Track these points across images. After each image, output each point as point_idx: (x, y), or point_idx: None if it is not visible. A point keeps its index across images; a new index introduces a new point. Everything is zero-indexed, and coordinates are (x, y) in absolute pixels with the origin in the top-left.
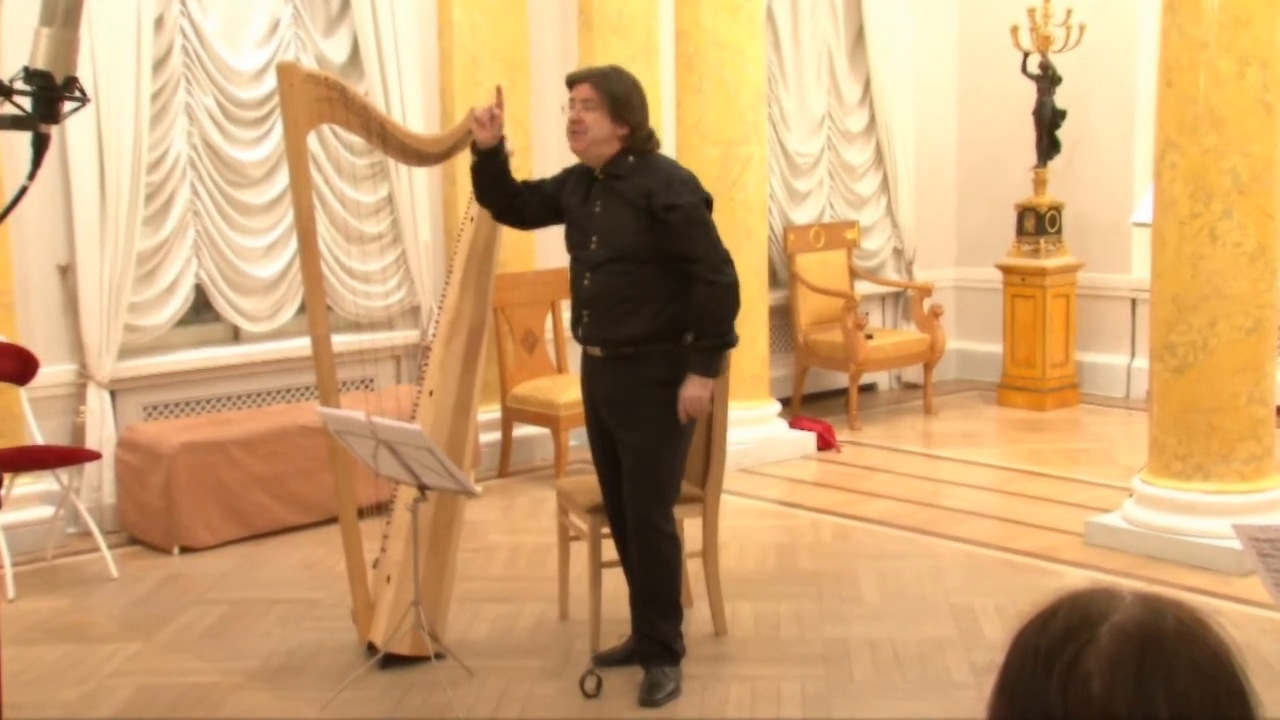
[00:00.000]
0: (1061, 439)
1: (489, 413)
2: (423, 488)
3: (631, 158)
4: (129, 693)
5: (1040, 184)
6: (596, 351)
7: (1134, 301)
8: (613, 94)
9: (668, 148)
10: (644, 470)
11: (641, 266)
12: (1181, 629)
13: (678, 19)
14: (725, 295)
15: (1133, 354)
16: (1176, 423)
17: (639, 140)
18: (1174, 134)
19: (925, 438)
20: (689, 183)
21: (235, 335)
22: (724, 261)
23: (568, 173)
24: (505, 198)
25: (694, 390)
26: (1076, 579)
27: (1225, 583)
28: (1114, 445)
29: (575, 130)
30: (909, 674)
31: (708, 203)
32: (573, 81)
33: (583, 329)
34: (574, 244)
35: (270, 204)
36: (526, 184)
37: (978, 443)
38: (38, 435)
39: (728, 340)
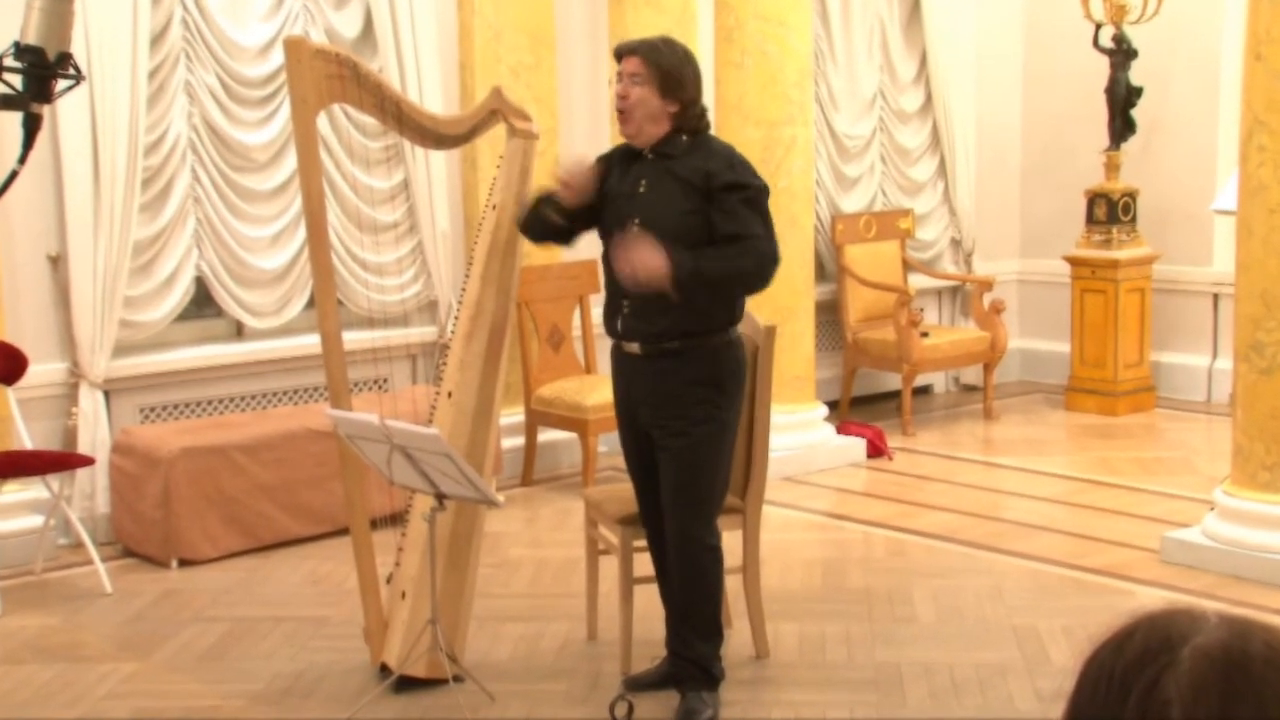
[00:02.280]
0: (1135, 447)
1: (512, 416)
2: (440, 497)
3: (684, 137)
4: (124, 716)
5: (1113, 168)
6: (635, 349)
7: (1216, 296)
8: (662, 68)
9: None
10: (688, 478)
11: (688, 252)
12: (1271, 654)
13: None
14: (759, 263)
15: (1214, 354)
16: (1263, 429)
17: (691, 119)
18: (1262, 112)
19: (985, 445)
20: (750, 167)
21: (239, 332)
22: (775, 251)
23: (607, 161)
24: (567, 236)
25: (660, 264)
26: (1152, 599)
27: None
28: (1193, 454)
29: (622, 109)
30: (968, 701)
31: (766, 193)
32: (621, 53)
33: (621, 321)
34: (612, 227)
35: (277, 190)
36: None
37: (1043, 450)
38: (26, 439)
39: (712, 285)
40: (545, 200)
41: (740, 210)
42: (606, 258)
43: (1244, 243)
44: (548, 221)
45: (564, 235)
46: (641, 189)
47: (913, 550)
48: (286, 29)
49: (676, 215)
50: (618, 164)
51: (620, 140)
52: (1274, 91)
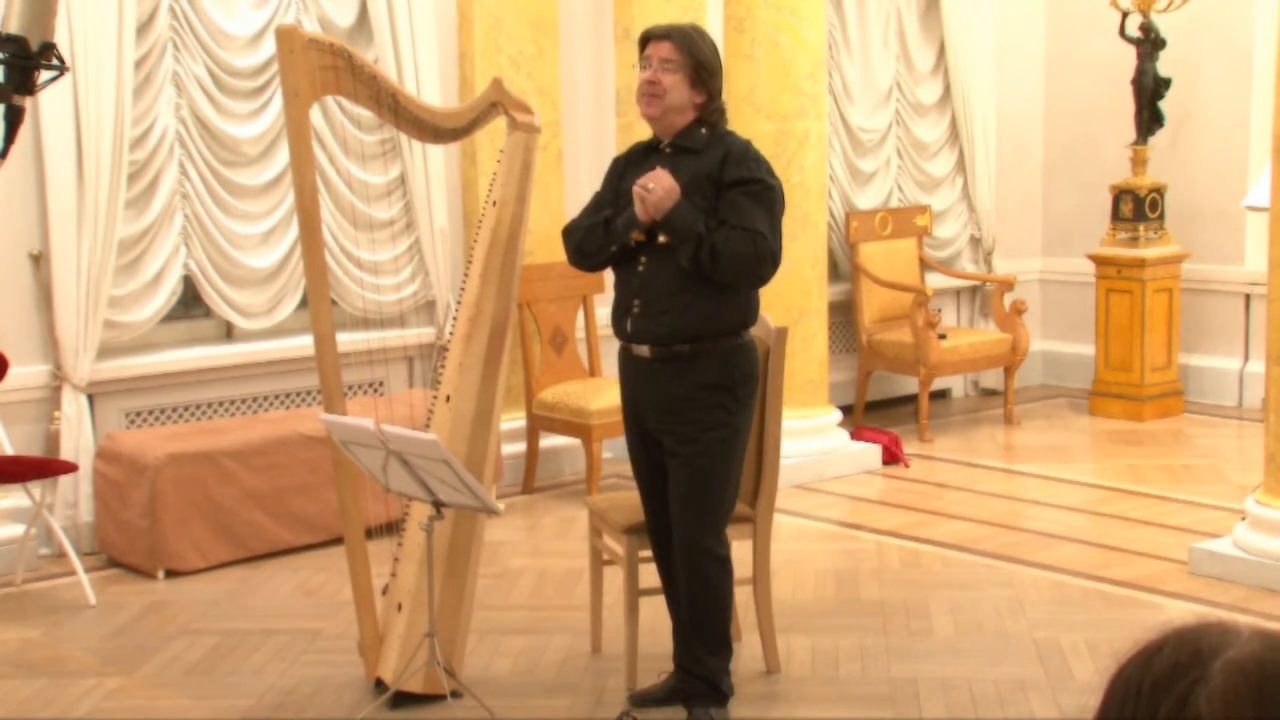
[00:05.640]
0: (1163, 454)
1: (513, 421)
2: (438, 505)
3: (704, 130)
4: None
5: (1140, 163)
6: (644, 351)
7: (1248, 297)
8: (697, 57)
9: None
10: (697, 486)
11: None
12: None
13: None
14: (757, 256)
15: (1246, 357)
16: None
17: (713, 111)
18: None
19: (1006, 451)
20: (766, 165)
21: (228, 333)
22: (776, 254)
23: (621, 164)
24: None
25: (673, 194)
26: (1180, 613)
27: None
28: (1224, 461)
29: (651, 93)
30: (987, 718)
31: (776, 192)
32: (650, 37)
33: (631, 322)
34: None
35: (268, 185)
36: (605, 217)
37: (1066, 457)
38: (7, 444)
39: (700, 254)
40: (617, 222)
41: (744, 204)
42: (622, 254)
43: (1277, 240)
44: (623, 245)
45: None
46: None
47: (930, 561)
48: (278, 17)
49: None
50: (633, 162)
51: (621, 131)
52: None
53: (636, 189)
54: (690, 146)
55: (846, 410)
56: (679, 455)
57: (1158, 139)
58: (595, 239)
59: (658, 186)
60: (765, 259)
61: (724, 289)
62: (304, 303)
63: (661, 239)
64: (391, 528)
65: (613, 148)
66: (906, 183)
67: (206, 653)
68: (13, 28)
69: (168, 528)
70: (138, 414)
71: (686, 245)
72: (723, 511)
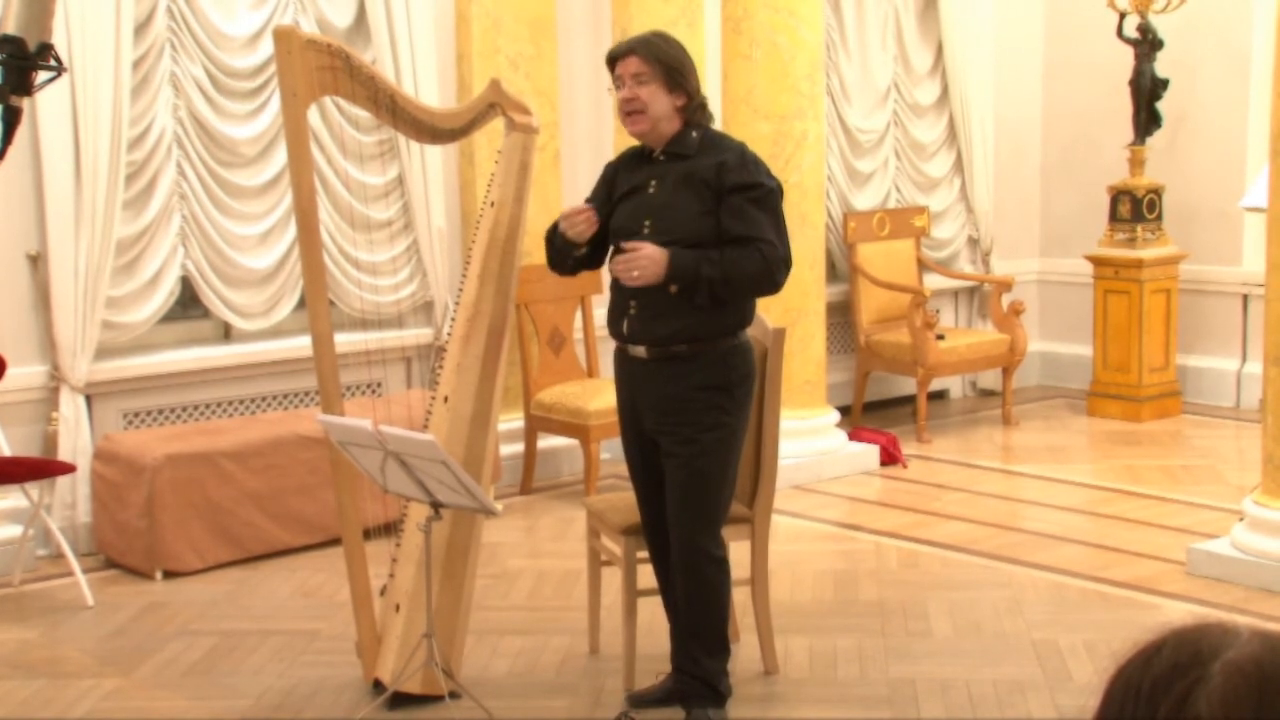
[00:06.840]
0: (1161, 454)
1: (511, 422)
2: (436, 506)
3: (695, 133)
4: None
5: (1137, 164)
6: (641, 352)
7: (1245, 297)
8: (665, 62)
9: None
10: (695, 486)
11: (691, 252)
12: None
13: None
14: (765, 267)
15: (1244, 357)
16: None
17: (695, 110)
18: None
19: (1004, 452)
20: (764, 167)
21: (226, 333)
22: (786, 256)
23: (614, 169)
24: (593, 261)
25: (657, 260)
26: (1178, 613)
27: None
28: (1222, 461)
29: (634, 109)
30: (985, 719)
31: (778, 194)
32: (616, 56)
33: (628, 323)
34: (621, 230)
35: (266, 186)
36: (552, 226)
37: (1064, 458)
38: (4, 445)
39: (715, 289)
40: (561, 236)
41: (748, 210)
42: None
43: (1275, 241)
44: (577, 258)
45: (590, 261)
46: (651, 190)
47: (928, 562)
48: (276, 18)
49: (691, 217)
50: (625, 167)
51: (619, 132)
52: None
53: (619, 270)
54: (682, 153)
55: (844, 411)
56: (676, 456)
57: (1155, 140)
58: (552, 250)
59: (641, 274)
60: (777, 267)
61: None
62: (302, 303)
63: (673, 289)
64: (389, 529)
65: (610, 148)
66: (904, 183)
67: (204, 653)
68: (10, 28)
69: (166, 528)
70: (136, 415)
71: (699, 292)
72: (720, 512)
